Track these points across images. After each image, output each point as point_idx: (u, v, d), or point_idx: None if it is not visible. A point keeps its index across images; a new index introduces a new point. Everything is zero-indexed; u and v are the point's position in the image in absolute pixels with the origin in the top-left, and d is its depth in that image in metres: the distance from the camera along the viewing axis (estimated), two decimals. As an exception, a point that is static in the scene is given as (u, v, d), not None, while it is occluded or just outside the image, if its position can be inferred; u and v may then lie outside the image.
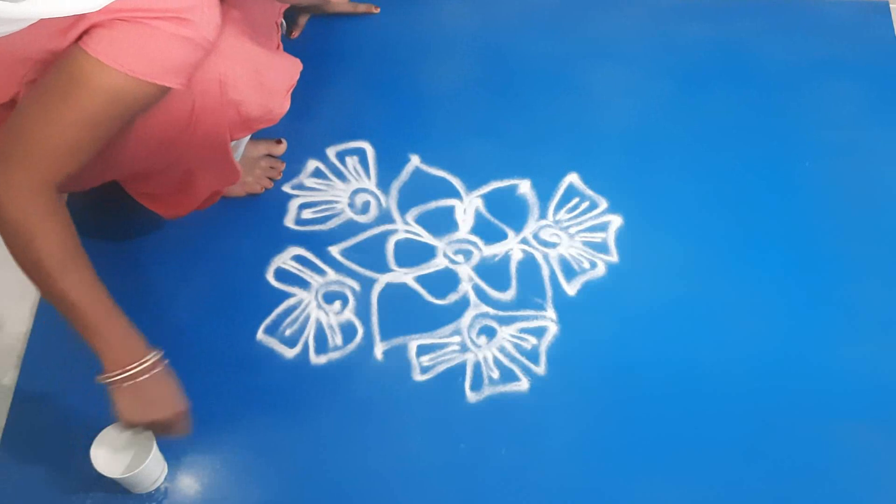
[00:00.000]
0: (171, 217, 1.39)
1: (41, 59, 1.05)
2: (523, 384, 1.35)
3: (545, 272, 1.45)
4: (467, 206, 1.51)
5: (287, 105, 1.26)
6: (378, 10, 1.72)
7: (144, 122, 1.11)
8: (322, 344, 1.38)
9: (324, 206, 1.51)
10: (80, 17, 1.00)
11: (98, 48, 1.00)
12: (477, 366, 1.36)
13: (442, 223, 1.49)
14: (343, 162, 1.56)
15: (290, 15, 1.68)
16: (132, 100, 1.03)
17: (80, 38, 1.01)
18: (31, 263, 1.05)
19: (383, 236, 1.48)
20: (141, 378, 1.09)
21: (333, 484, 1.27)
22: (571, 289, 1.43)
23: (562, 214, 1.51)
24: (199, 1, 1.02)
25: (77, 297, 1.06)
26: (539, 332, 1.39)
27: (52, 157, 1.04)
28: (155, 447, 1.19)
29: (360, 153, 1.56)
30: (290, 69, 1.27)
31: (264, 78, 1.20)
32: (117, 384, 1.08)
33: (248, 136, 1.41)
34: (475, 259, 1.46)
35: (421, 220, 1.49)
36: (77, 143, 1.04)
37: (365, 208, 1.51)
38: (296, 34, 1.68)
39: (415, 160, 1.55)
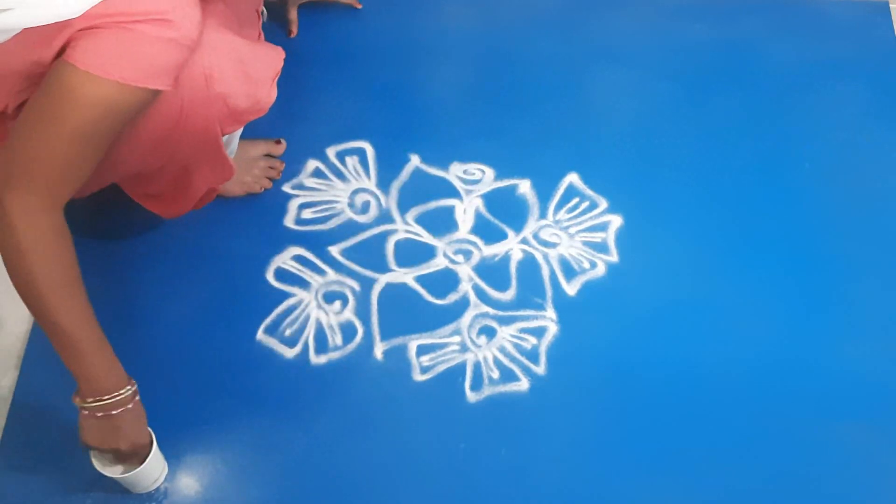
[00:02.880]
0: (169, 216, 1.39)
1: (27, 70, 1.05)
2: (523, 384, 1.35)
3: (545, 272, 1.45)
4: (467, 206, 1.51)
5: (274, 94, 1.25)
6: (360, 6, 1.71)
7: (135, 124, 1.11)
8: (322, 344, 1.38)
9: (324, 206, 1.51)
10: (63, 26, 0.99)
11: (84, 59, 0.99)
12: (477, 366, 1.36)
13: (442, 223, 1.49)
14: (343, 162, 1.56)
15: (277, 10, 1.68)
16: (125, 107, 1.03)
17: (63, 50, 1.01)
18: (28, 286, 1.04)
19: (383, 236, 1.48)
20: (113, 411, 1.10)
21: (333, 484, 1.27)
22: (571, 289, 1.43)
23: (562, 214, 1.51)
24: (179, 0, 1.02)
25: (68, 323, 1.05)
26: (539, 332, 1.39)
27: (56, 175, 1.03)
28: (155, 447, 1.19)
29: (360, 153, 1.56)
30: (273, 58, 1.27)
31: (249, 68, 1.20)
32: (90, 411, 1.10)
33: (240, 132, 1.41)
34: (475, 259, 1.46)
35: (421, 220, 1.49)
36: (77, 158, 1.04)
37: (365, 208, 1.51)
38: (294, 31, 1.68)
39: (415, 160, 1.56)
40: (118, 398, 1.10)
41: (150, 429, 1.19)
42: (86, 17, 0.98)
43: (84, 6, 0.97)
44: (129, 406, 1.12)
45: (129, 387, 1.12)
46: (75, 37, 1.00)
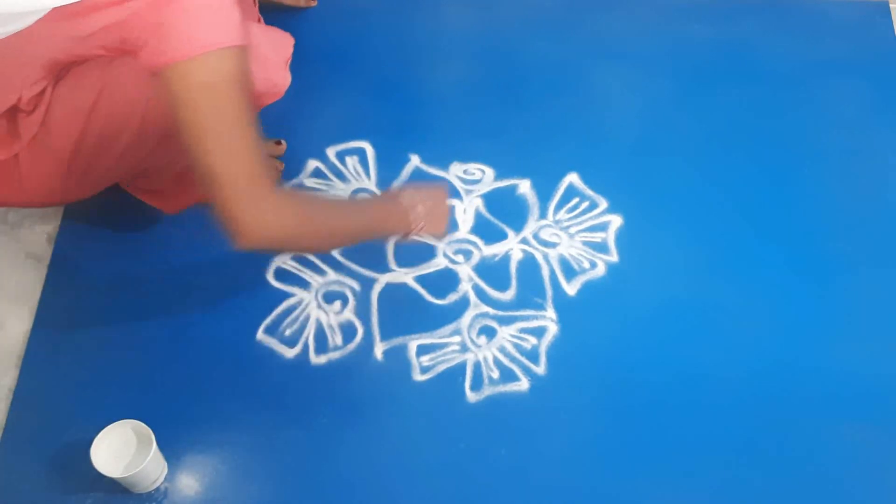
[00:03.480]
0: (172, 211, 1.39)
1: (52, 57, 1.05)
2: (523, 384, 1.35)
3: (545, 272, 1.45)
4: (467, 206, 1.51)
5: (289, 77, 1.25)
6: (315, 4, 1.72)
7: (147, 113, 1.11)
8: (322, 344, 1.38)
9: (324, 206, 1.51)
10: (89, 7, 0.98)
11: (174, 50, 0.98)
12: (477, 366, 1.36)
13: (442, 223, 1.49)
14: (343, 162, 1.56)
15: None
16: (243, 66, 1.01)
17: (129, 52, 1.01)
18: (332, 238, 1.21)
19: (383, 236, 1.48)
20: (427, 221, 1.30)
21: (333, 484, 1.27)
22: (571, 289, 1.43)
23: (562, 214, 1.51)
24: None
25: (354, 229, 1.24)
26: (539, 332, 1.39)
27: (254, 157, 1.04)
28: (155, 447, 1.19)
29: (360, 153, 1.56)
30: (284, 41, 1.27)
31: (262, 52, 1.19)
32: (411, 235, 1.30)
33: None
34: (475, 259, 1.46)
35: (421, 220, 1.49)
36: (252, 130, 1.03)
37: (365, 208, 1.51)
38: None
39: (415, 160, 1.55)
40: (411, 211, 1.28)
41: (149, 429, 1.19)
42: (129, 6, 0.97)
43: None
44: (418, 207, 1.29)
45: (404, 196, 1.29)
46: (136, 35, 0.99)
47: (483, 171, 1.55)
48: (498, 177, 1.54)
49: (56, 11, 1.00)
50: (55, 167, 1.20)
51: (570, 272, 1.45)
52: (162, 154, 1.22)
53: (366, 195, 1.29)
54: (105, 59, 1.10)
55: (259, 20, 1.36)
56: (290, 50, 1.26)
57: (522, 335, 1.39)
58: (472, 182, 1.53)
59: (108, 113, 1.15)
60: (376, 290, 1.43)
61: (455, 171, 1.54)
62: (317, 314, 1.40)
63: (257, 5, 1.40)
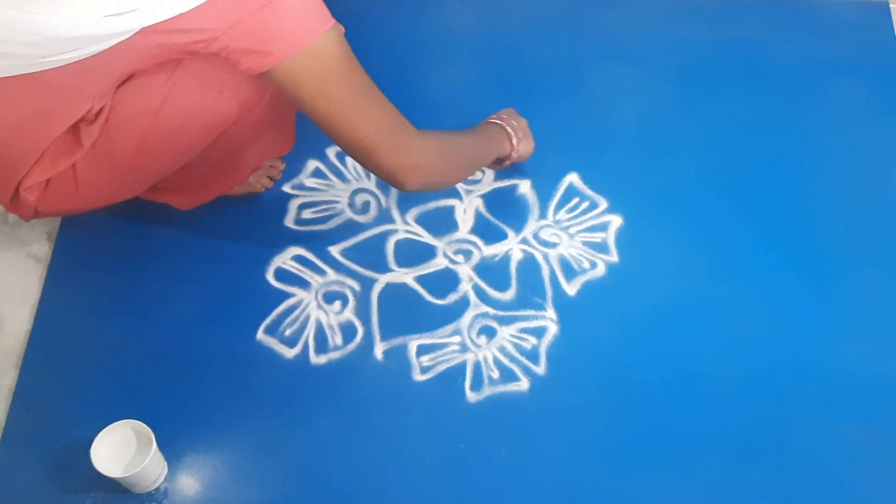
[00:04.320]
0: (185, 207, 1.40)
1: (117, 67, 1.06)
2: (523, 384, 1.35)
3: (545, 272, 1.45)
4: (467, 206, 1.51)
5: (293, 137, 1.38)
6: None
7: (214, 113, 1.16)
8: (322, 344, 1.38)
9: (324, 206, 1.51)
10: (180, 30, 1.01)
11: (287, 46, 1.03)
12: (477, 366, 1.36)
13: (442, 223, 1.49)
14: (343, 162, 1.56)
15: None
16: (341, 39, 1.09)
17: (239, 63, 1.05)
18: (467, 165, 1.35)
19: (383, 236, 1.48)
20: (521, 138, 1.45)
21: (333, 484, 1.27)
22: (571, 289, 1.43)
23: (562, 214, 1.51)
24: None
25: (479, 153, 1.38)
26: (539, 332, 1.39)
27: (390, 113, 1.16)
28: (155, 447, 1.19)
29: (360, 153, 1.56)
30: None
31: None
32: (512, 159, 1.46)
33: None
34: (475, 259, 1.46)
35: (421, 220, 1.49)
36: (375, 92, 1.14)
37: (365, 208, 1.51)
38: None
39: (415, 160, 1.55)
40: (513, 138, 1.44)
41: (149, 429, 1.19)
42: (229, 18, 1.00)
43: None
44: (516, 136, 1.44)
45: (505, 125, 1.44)
46: (241, 49, 1.03)
47: (483, 171, 1.55)
48: (498, 177, 1.54)
49: (145, 28, 1.00)
50: (113, 171, 1.21)
51: (570, 272, 1.45)
52: (206, 149, 1.23)
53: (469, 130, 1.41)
54: (173, 61, 1.10)
55: None
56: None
57: (522, 335, 1.39)
58: (472, 182, 1.54)
59: (173, 115, 1.15)
60: (376, 290, 1.43)
61: (455, 171, 1.54)
62: (317, 314, 1.40)
63: None
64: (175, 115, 1.15)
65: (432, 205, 1.51)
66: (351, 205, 1.51)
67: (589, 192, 1.53)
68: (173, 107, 1.14)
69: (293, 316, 1.40)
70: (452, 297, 1.42)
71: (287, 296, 1.42)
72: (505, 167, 1.51)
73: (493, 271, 1.45)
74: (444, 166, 1.26)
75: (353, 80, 1.11)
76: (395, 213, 1.50)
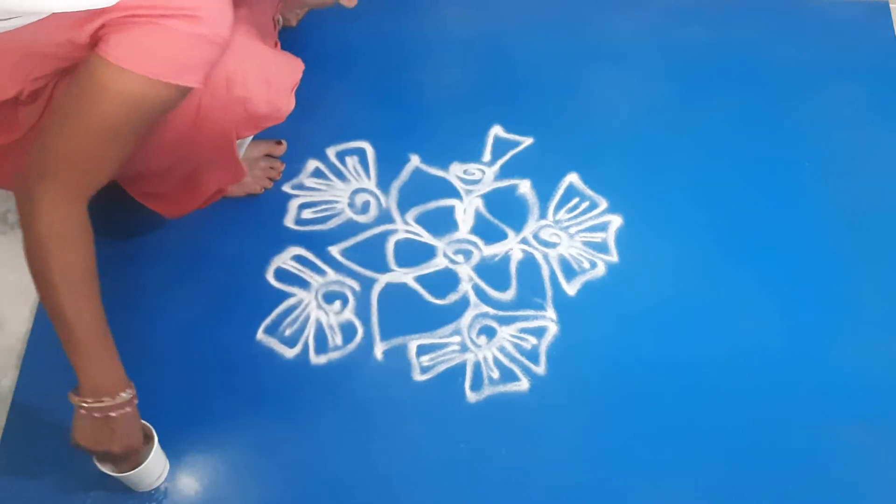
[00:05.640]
0: (172, 216, 1.39)
1: (50, 53, 1.05)
2: (523, 384, 1.35)
3: (545, 272, 1.45)
4: (467, 206, 1.51)
5: (293, 103, 1.26)
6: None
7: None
8: (322, 344, 1.38)
9: (324, 206, 1.51)
10: (93, 14, 0.99)
11: (115, 53, 0.99)
12: (477, 366, 1.36)
13: (442, 223, 1.49)
14: (343, 162, 1.56)
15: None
16: (154, 102, 1.03)
17: (95, 43, 1.01)
18: (43, 274, 1.05)
19: (383, 236, 1.48)
20: (111, 413, 1.10)
21: (333, 484, 1.27)
22: (571, 289, 1.43)
23: (562, 214, 1.51)
24: None
25: (76, 318, 1.06)
26: (539, 332, 1.39)
27: (82, 168, 1.04)
28: (156, 445, 1.19)
29: (360, 153, 1.56)
30: (293, 67, 1.27)
31: (270, 75, 1.20)
32: (88, 411, 1.10)
33: (252, 136, 1.41)
34: (475, 259, 1.46)
35: (421, 220, 1.50)
36: (105, 153, 1.04)
37: (365, 208, 1.51)
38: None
39: (415, 160, 1.56)
40: (117, 401, 1.10)
41: (151, 426, 1.19)
42: (118, 8, 0.98)
43: None
44: (128, 410, 1.12)
45: (129, 390, 1.12)
46: (107, 30, 1.00)
47: (483, 171, 1.55)
48: (498, 177, 1.54)
49: (57, 17, 1.00)
50: None
51: (570, 272, 1.45)
52: (166, 159, 1.22)
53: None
54: None
55: (276, 44, 1.36)
56: (299, 76, 1.27)
57: (522, 335, 1.39)
58: (472, 182, 1.54)
59: None
60: (376, 290, 1.43)
61: (455, 171, 1.54)
62: (317, 314, 1.40)
63: (277, 28, 1.40)
64: None
65: (432, 205, 1.51)
66: (351, 205, 1.51)
67: (589, 192, 1.53)
68: None
69: (293, 316, 1.40)
70: (452, 297, 1.42)
71: (287, 296, 1.42)
72: None
73: (493, 271, 1.45)
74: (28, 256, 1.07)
75: (116, 123, 1.02)
76: (395, 213, 1.50)
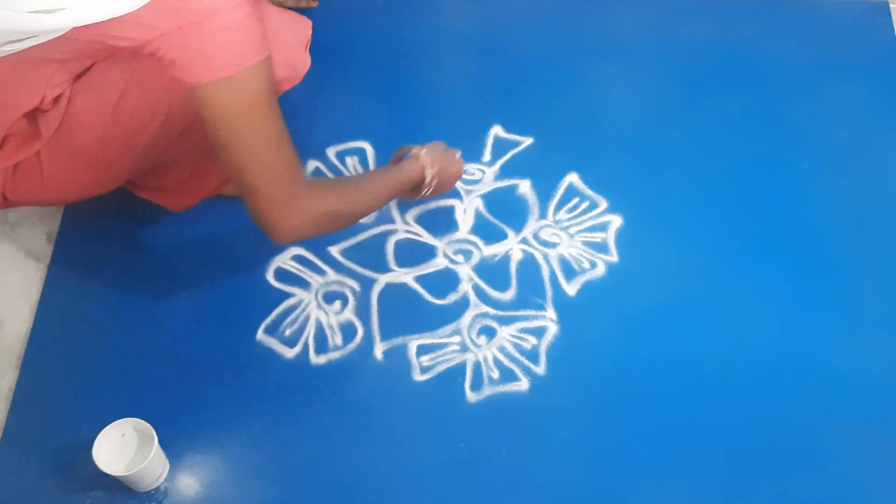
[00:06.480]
0: (178, 209, 1.39)
1: (64, 58, 1.05)
2: (523, 384, 1.35)
3: (545, 272, 1.45)
4: (467, 206, 1.51)
5: (308, 61, 1.27)
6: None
7: (172, 106, 1.13)
8: (322, 344, 1.38)
9: (324, 206, 1.51)
10: (140, 46, 0.99)
11: (205, 72, 1.00)
12: (477, 366, 1.36)
13: (442, 223, 1.49)
14: (343, 162, 1.56)
15: None
16: (266, 81, 1.05)
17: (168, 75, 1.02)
18: (356, 217, 1.28)
19: (383, 236, 1.48)
20: (434, 179, 1.35)
21: (333, 484, 1.27)
22: (571, 289, 1.43)
23: (562, 214, 1.51)
24: None
25: (383, 187, 1.29)
26: (539, 332, 1.39)
27: (287, 166, 1.10)
28: (157, 445, 1.19)
29: (360, 153, 1.56)
30: (302, 25, 1.27)
31: (283, 36, 1.20)
32: (427, 191, 1.36)
33: None
34: (475, 259, 1.46)
35: (421, 220, 1.50)
36: (280, 138, 1.09)
37: (365, 208, 1.51)
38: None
39: (415, 160, 1.55)
40: (427, 173, 1.34)
41: (151, 427, 1.19)
42: (156, 28, 0.99)
43: (135, 4, 0.96)
44: (433, 169, 1.35)
45: (422, 162, 1.34)
46: (171, 55, 1.00)
47: (483, 171, 1.55)
48: (498, 177, 1.54)
49: (77, 28, 1.00)
50: (77, 164, 1.20)
51: (570, 272, 1.45)
52: (180, 148, 1.23)
53: (378, 169, 1.37)
54: (128, 54, 1.09)
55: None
56: (309, 32, 1.27)
57: (522, 335, 1.39)
58: (472, 182, 1.54)
59: (133, 107, 1.15)
60: (376, 290, 1.43)
61: (455, 171, 1.54)
62: (317, 314, 1.40)
63: None
64: (134, 109, 1.15)
65: (432, 205, 1.51)
66: (351, 205, 1.51)
67: (589, 192, 1.53)
68: (131, 101, 1.14)
69: (293, 316, 1.40)
70: (452, 297, 1.42)
71: (287, 296, 1.42)
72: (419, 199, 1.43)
73: (493, 271, 1.45)
74: (321, 228, 1.21)
75: (260, 121, 1.06)
76: (395, 213, 1.50)
